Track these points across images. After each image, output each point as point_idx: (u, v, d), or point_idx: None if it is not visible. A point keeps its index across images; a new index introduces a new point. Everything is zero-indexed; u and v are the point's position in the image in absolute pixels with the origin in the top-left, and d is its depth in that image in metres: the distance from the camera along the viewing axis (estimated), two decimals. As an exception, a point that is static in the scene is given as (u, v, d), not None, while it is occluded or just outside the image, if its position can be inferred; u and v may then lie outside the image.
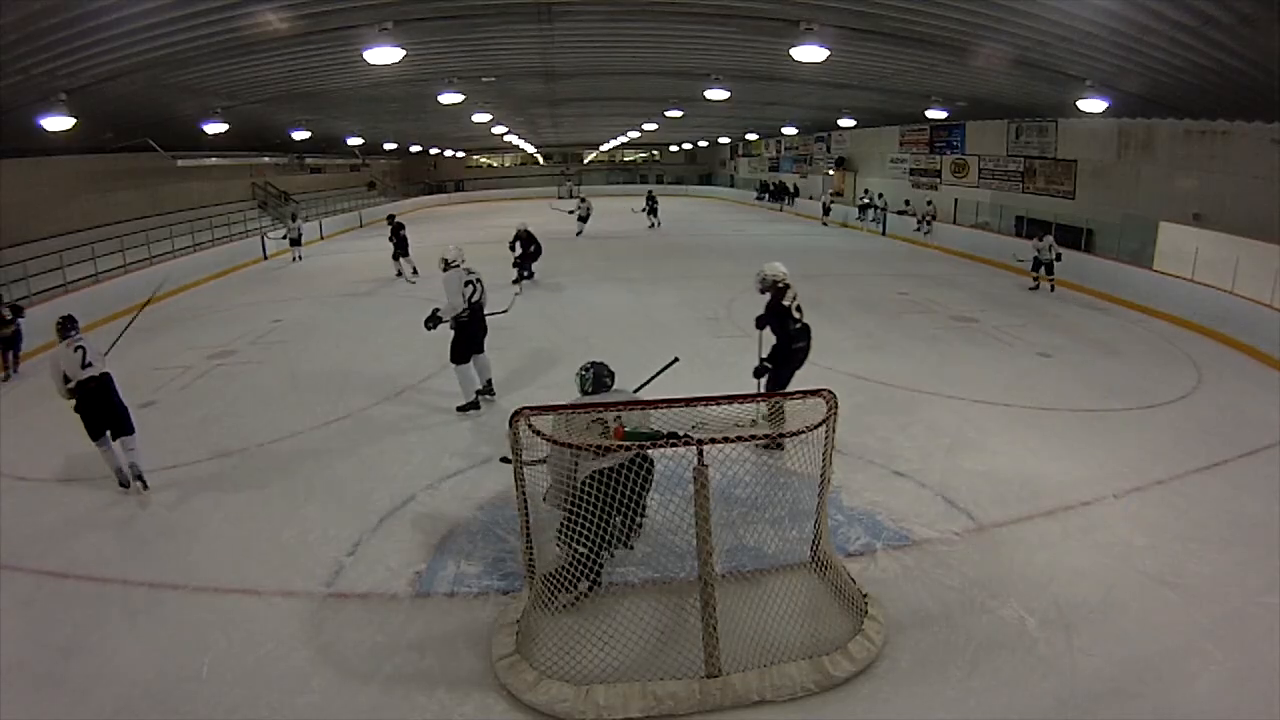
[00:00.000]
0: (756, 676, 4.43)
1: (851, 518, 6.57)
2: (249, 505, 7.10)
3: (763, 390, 8.06)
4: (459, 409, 9.24)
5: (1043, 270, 17.23)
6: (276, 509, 6.99)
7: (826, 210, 33.23)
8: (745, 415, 7.60)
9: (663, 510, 4.98)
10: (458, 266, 9.21)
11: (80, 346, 7.20)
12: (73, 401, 7.18)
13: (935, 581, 5.67)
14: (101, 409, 7.18)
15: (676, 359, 7.25)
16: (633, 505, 4.97)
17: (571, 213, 27.67)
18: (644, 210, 31.91)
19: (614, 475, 4.87)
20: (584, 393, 5.74)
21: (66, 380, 7.13)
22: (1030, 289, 17.38)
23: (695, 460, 4.47)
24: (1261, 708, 4.36)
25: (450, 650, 4.93)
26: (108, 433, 7.24)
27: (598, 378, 5.73)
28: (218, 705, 4.47)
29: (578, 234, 26.98)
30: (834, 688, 4.48)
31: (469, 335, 9.13)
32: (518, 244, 18.00)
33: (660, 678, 4.44)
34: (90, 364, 7.19)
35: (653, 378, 6.64)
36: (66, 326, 7.35)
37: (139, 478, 7.34)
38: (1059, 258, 16.94)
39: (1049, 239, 17.07)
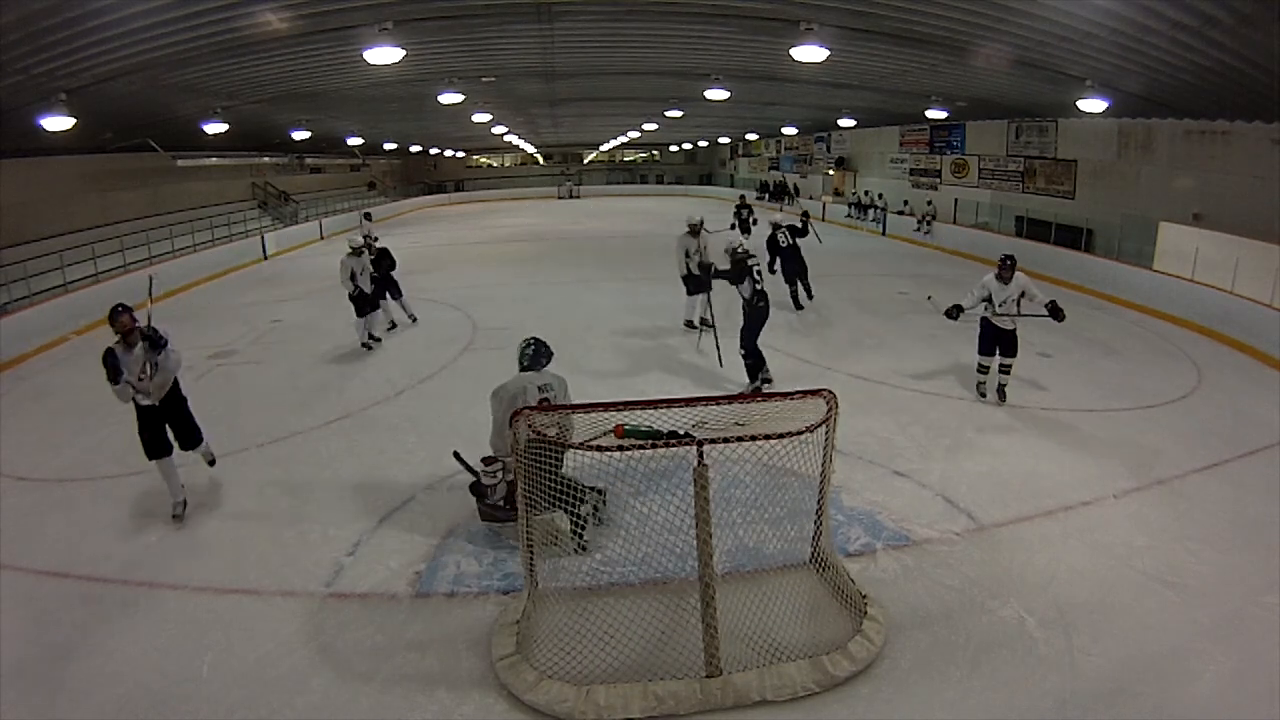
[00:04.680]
0: (757, 676, 4.44)
1: (851, 518, 6.58)
2: (249, 505, 7.11)
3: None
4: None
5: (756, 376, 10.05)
6: (276, 509, 7.00)
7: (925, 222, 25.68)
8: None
9: (663, 510, 4.97)
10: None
11: None
12: None
13: (935, 581, 5.67)
14: None
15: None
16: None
17: (733, 227, 21.45)
18: (733, 226, 21.38)
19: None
20: (523, 366, 6.40)
21: None
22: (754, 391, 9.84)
23: (695, 460, 4.48)
24: (1262, 708, 4.36)
25: (450, 650, 4.94)
26: None
27: (537, 353, 6.42)
28: (218, 705, 4.48)
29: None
30: (834, 688, 4.49)
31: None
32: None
33: (661, 678, 4.44)
34: None
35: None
36: None
37: None
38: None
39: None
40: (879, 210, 28.84)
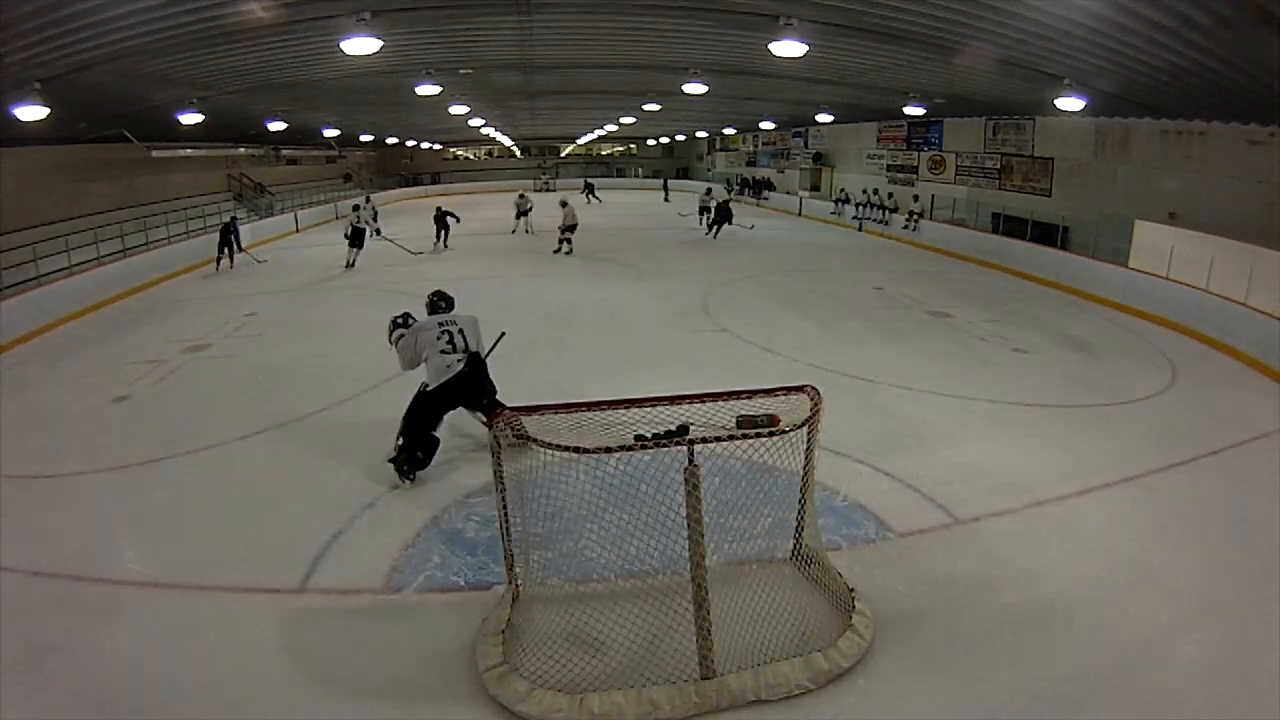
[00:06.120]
0: (751, 676, 4.42)
1: (834, 514, 6.59)
2: (229, 502, 6.98)
3: None
4: None
5: None
6: (256, 506, 6.89)
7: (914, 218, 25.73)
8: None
9: (652, 511, 4.93)
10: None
11: None
12: None
13: (917, 578, 5.69)
14: None
15: (504, 333, 8.33)
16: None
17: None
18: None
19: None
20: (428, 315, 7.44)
21: None
22: None
23: (686, 460, 4.45)
24: (1238, 699, 4.42)
25: (431, 651, 4.86)
26: None
27: (433, 305, 7.59)
28: (195, 708, 4.40)
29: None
30: (827, 684, 4.49)
31: None
32: None
33: (654, 682, 4.41)
34: None
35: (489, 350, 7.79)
36: None
37: None
38: None
39: None
40: (860, 207, 28.82)
